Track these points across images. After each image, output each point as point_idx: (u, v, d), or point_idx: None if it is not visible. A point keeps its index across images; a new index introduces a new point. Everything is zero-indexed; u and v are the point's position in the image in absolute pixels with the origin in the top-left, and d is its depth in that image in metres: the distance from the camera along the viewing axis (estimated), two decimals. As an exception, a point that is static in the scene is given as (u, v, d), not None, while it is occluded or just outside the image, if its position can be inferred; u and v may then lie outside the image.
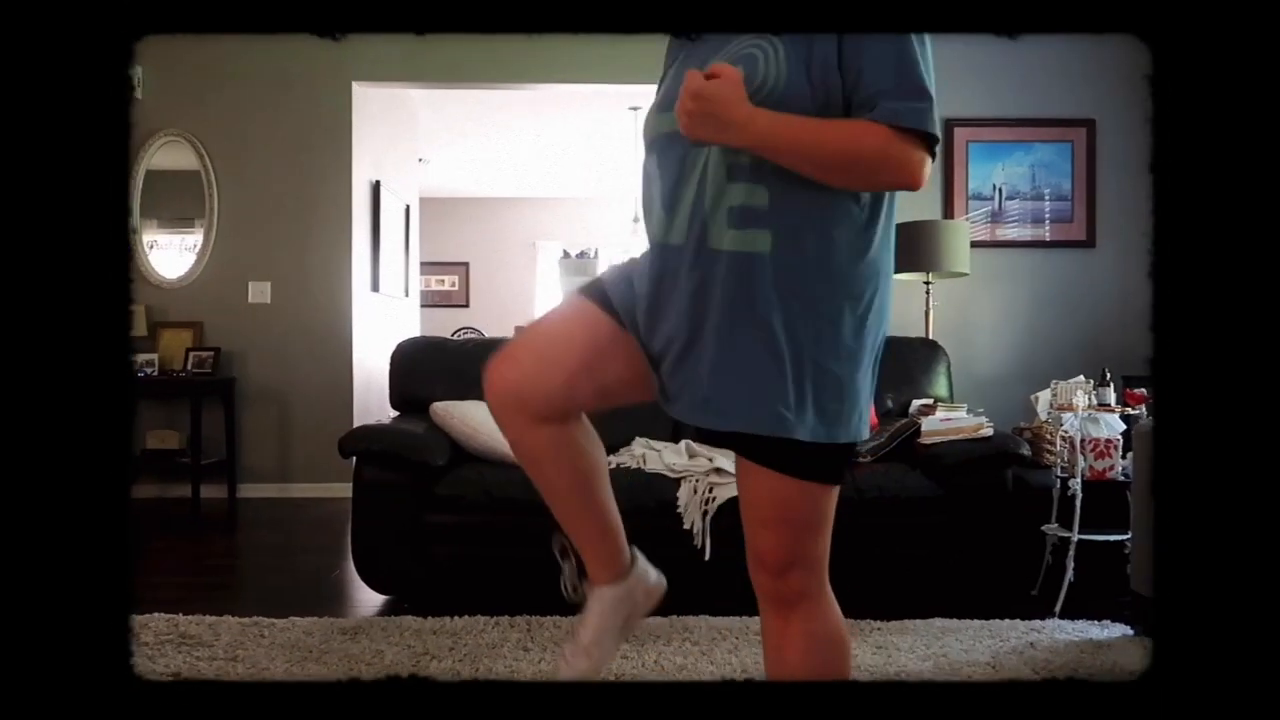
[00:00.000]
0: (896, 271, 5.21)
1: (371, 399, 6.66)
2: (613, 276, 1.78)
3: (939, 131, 1.51)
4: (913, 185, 1.52)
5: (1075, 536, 3.50)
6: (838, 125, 1.50)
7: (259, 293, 6.35)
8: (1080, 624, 3.30)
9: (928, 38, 1.53)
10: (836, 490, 1.68)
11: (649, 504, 3.44)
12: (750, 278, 1.55)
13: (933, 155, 1.52)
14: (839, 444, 1.60)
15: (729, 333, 1.57)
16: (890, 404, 4.33)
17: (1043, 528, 3.76)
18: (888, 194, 1.61)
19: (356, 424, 6.15)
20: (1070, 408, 3.65)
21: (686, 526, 3.47)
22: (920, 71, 1.49)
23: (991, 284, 6.20)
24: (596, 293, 1.77)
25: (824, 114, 1.51)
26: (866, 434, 1.65)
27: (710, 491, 3.50)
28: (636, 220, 6.34)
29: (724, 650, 3.03)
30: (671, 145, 1.60)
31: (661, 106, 1.67)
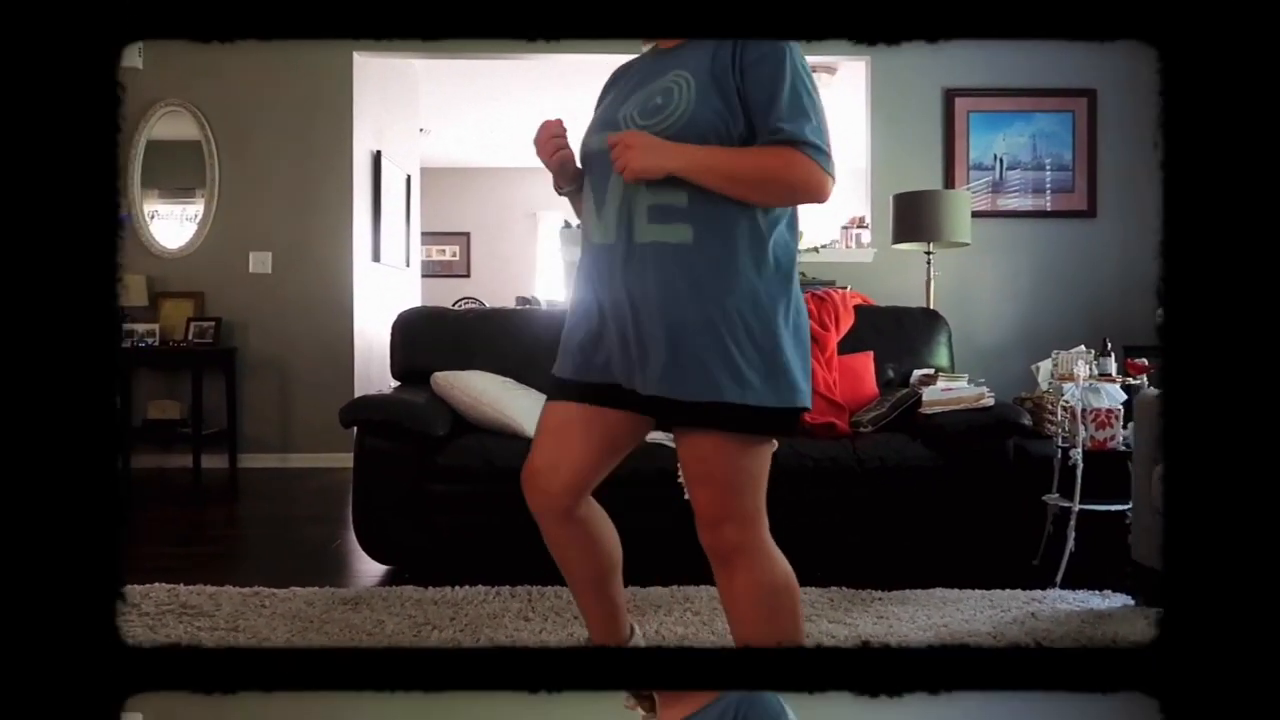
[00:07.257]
0: (897, 242, 5.24)
1: (372, 369, 6.67)
2: (558, 363, 2.00)
3: (829, 146, 1.75)
4: (817, 196, 1.77)
5: (1076, 506, 3.50)
6: (748, 150, 1.76)
7: (260, 263, 6.34)
8: (1081, 594, 3.31)
9: (806, 72, 1.79)
10: (765, 450, 1.84)
11: (648, 472, 3.43)
12: (676, 265, 1.75)
13: (830, 171, 1.75)
14: (767, 408, 1.76)
15: (665, 316, 1.75)
16: (891, 374, 4.33)
17: (1044, 498, 3.76)
18: (784, 217, 1.84)
19: (357, 394, 6.15)
20: (1071, 378, 3.65)
21: (687, 497, 3.46)
22: (804, 99, 1.75)
23: (992, 254, 6.19)
24: (557, 391, 1.98)
25: (729, 130, 1.76)
26: (803, 401, 1.81)
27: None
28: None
29: (724, 620, 3.03)
30: (602, 159, 1.84)
31: (593, 129, 1.93)
